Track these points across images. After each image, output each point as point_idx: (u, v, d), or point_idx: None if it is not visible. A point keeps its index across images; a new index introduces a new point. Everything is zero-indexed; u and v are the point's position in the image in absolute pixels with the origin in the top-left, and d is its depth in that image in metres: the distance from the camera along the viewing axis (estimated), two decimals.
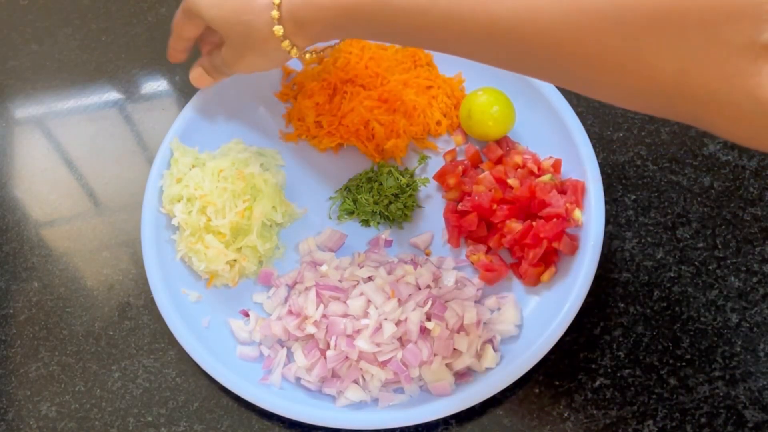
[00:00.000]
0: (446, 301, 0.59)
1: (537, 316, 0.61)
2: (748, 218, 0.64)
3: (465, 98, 0.68)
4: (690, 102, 0.39)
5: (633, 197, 0.66)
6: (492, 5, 0.44)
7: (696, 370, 0.58)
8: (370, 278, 0.60)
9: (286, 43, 0.57)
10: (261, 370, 0.60)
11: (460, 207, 0.64)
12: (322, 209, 0.68)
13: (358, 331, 0.57)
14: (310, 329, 0.58)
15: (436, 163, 0.69)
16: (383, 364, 0.56)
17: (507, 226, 0.62)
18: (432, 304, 0.57)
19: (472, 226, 0.63)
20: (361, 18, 0.51)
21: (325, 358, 0.57)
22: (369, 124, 0.68)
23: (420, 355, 0.56)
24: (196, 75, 0.67)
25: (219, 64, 0.65)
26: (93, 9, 0.83)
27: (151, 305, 0.65)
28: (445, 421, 0.58)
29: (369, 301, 0.58)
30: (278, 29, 0.56)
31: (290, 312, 0.60)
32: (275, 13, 0.55)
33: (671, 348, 0.59)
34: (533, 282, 0.62)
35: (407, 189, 0.66)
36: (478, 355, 0.58)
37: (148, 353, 0.63)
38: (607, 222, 0.64)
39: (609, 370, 0.59)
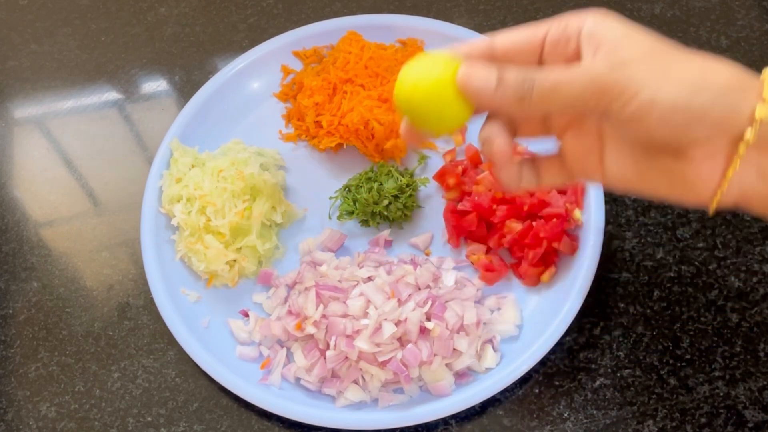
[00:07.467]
0: (446, 301, 0.59)
1: (537, 316, 0.61)
2: (748, 218, 0.64)
3: None
4: None
5: (633, 197, 0.66)
6: None
7: (696, 370, 0.58)
8: (369, 278, 0.60)
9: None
10: (260, 371, 0.60)
11: (459, 207, 0.64)
12: (322, 209, 0.68)
13: (358, 331, 0.56)
14: (310, 329, 0.58)
15: (435, 163, 0.69)
16: (383, 364, 0.56)
17: (507, 226, 0.62)
18: (432, 304, 0.57)
19: (472, 226, 0.63)
20: None
21: (324, 358, 0.57)
22: (369, 123, 0.68)
23: (420, 355, 0.56)
24: (510, 180, 0.46)
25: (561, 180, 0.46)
26: (93, 9, 0.83)
27: (150, 305, 0.65)
28: (445, 421, 0.58)
29: (369, 301, 0.58)
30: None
31: (290, 312, 0.60)
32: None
33: (671, 348, 0.59)
34: (533, 282, 0.62)
35: (407, 189, 0.66)
36: (478, 355, 0.58)
37: (148, 353, 0.63)
38: (607, 222, 0.64)
39: (609, 370, 0.59)
